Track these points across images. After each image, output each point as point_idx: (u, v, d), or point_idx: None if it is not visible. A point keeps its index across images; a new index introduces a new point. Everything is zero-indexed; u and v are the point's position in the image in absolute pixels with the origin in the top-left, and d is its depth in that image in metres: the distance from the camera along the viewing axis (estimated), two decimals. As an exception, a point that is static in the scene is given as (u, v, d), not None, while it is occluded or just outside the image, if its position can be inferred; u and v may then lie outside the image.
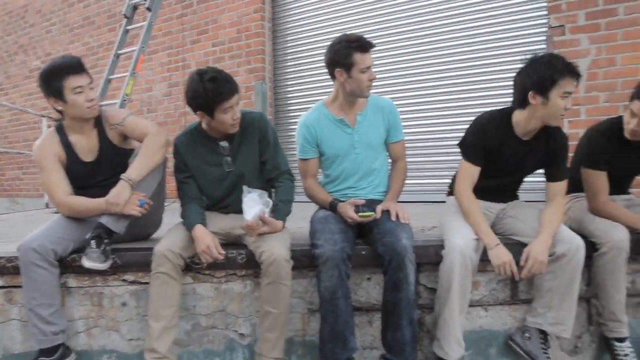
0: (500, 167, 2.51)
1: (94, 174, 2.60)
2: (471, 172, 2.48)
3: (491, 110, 2.54)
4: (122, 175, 2.41)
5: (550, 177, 2.50)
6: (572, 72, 2.24)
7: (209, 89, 2.28)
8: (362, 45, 2.48)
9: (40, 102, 7.54)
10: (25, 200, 8.34)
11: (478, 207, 2.44)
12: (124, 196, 2.38)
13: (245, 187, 2.39)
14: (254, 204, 2.31)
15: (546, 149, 2.48)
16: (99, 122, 2.60)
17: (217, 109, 2.34)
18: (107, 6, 7.33)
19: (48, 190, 2.56)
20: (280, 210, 2.44)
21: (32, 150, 2.64)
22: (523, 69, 2.36)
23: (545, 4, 4.53)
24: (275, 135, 2.61)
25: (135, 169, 2.44)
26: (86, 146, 2.59)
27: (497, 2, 4.84)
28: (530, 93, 2.31)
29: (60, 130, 2.59)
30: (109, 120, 2.61)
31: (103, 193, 2.41)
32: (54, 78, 2.44)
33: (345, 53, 2.47)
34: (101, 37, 7.41)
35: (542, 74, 2.28)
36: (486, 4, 4.90)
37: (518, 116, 2.42)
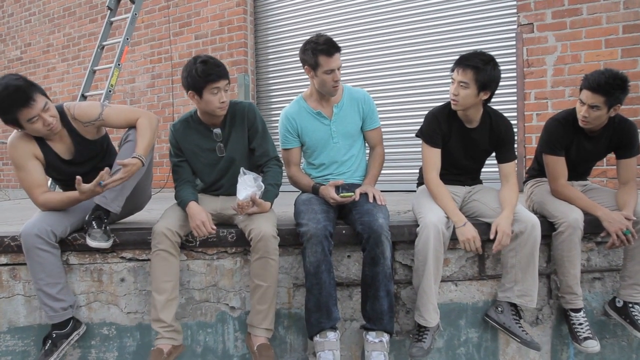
0: (456, 152, 2.75)
1: (76, 171, 2.62)
2: (434, 156, 2.71)
3: (440, 104, 2.80)
4: (135, 154, 2.47)
5: (500, 159, 2.77)
6: None
7: (200, 70, 2.48)
8: (327, 49, 2.65)
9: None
10: (8, 191, 8.30)
11: (446, 191, 2.67)
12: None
13: (242, 169, 2.56)
14: (248, 185, 2.49)
15: (490, 133, 2.73)
16: (65, 120, 2.57)
17: (206, 89, 2.51)
18: (88, -3, 7.34)
19: (25, 189, 2.56)
20: (269, 192, 2.61)
21: (6, 147, 2.57)
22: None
23: (515, 3, 4.76)
24: (264, 124, 2.78)
25: (143, 147, 2.52)
26: (61, 146, 2.60)
27: (470, 0, 5.08)
28: None
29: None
30: (80, 119, 2.59)
31: (88, 182, 2.47)
32: (5, 114, 2.39)
33: (312, 55, 2.66)
34: (82, 27, 7.40)
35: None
36: (460, 1, 5.11)
37: None
